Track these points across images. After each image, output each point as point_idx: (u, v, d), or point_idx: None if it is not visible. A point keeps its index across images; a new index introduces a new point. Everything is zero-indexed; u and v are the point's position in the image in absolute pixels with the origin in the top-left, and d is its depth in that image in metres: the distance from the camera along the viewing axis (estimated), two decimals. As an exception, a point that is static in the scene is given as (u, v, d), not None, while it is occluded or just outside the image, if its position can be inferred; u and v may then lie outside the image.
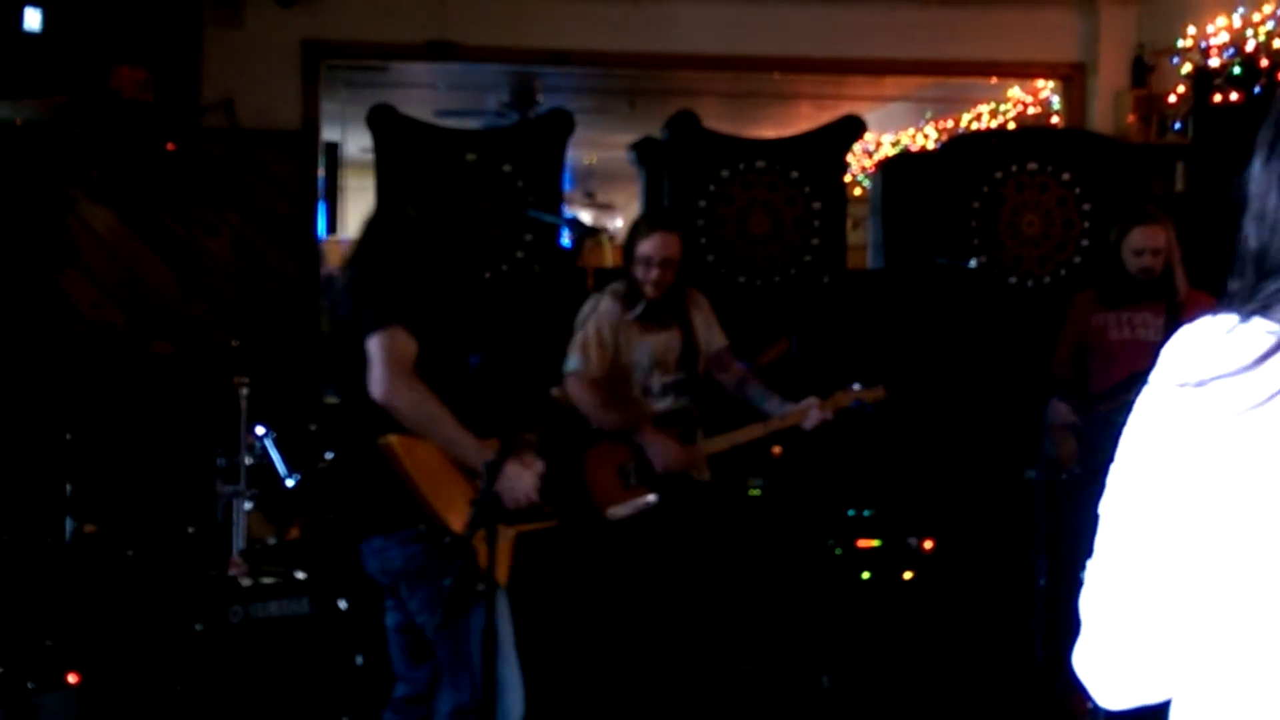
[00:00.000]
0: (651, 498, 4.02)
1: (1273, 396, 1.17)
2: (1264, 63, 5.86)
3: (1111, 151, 6.77)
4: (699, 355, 4.69)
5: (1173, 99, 6.63)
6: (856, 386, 4.53)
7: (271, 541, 4.86)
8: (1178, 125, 6.60)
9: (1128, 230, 4.94)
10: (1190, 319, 1.28)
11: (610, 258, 9.76)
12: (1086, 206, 6.77)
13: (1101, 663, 1.32)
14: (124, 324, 6.47)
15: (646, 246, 4.53)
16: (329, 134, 7.95)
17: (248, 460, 4.70)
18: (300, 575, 4.39)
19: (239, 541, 4.62)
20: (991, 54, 7.14)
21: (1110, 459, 1.31)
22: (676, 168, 6.89)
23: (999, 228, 6.79)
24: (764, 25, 6.93)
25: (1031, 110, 8.74)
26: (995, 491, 6.09)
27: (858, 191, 10.69)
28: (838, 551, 5.84)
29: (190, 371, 6.08)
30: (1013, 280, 6.79)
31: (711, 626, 5.04)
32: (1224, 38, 6.13)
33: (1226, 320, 1.23)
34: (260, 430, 4.88)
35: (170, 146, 6.34)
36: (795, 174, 6.90)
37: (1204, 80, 6.21)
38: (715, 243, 6.85)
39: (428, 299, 3.45)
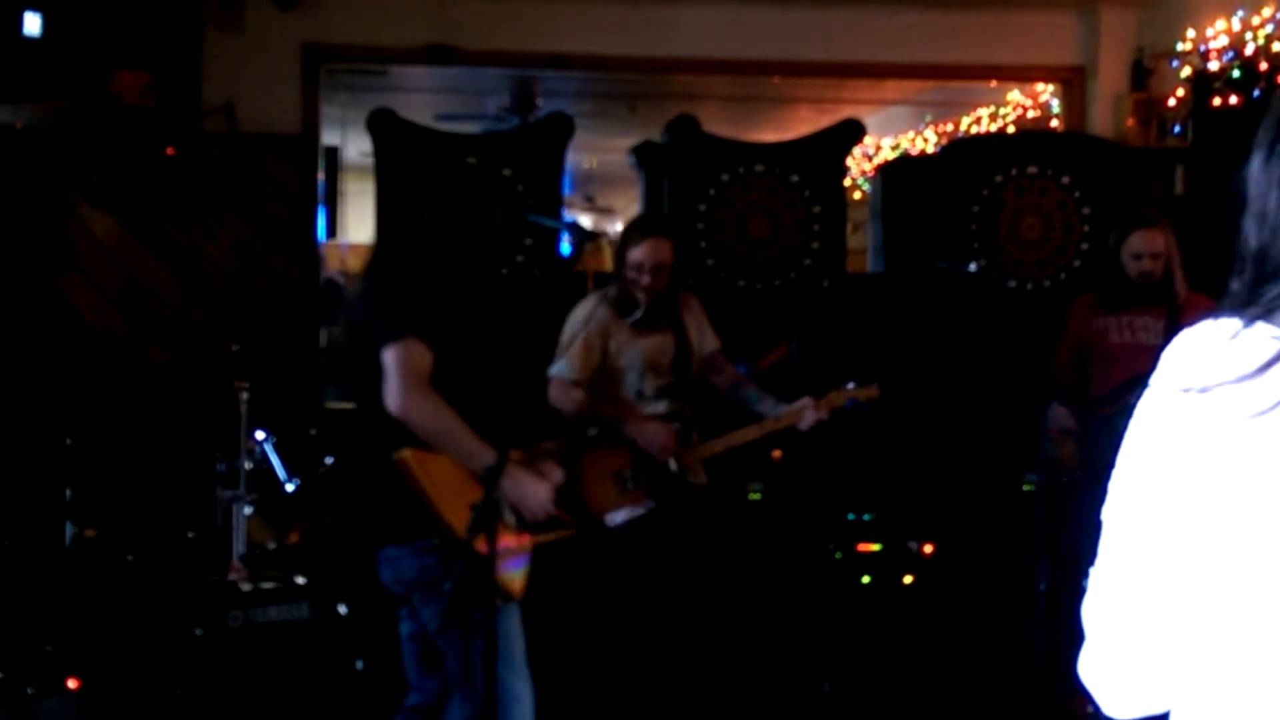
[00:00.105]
0: (650, 502, 4.02)
1: (1277, 405, 1.16)
2: (1263, 66, 5.86)
3: (1111, 155, 6.77)
4: (692, 358, 4.68)
5: (1172, 102, 6.63)
6: (851, 386, 4.52)
7: (271, 546, 4.87)
8: (1177, 129, 6.60)
9: (1127, 234, 4.94)
10: (1190, 322, 1.28)
11: (610, 262, 9.75)
12: (1086, 210, 6.77)
13: (1107, 671, 1.32)
14: (124, 329, 6.47)
15: (638, 253, 4.52)
16: (329, 138, 7.95)
17: (248, 465, 4.70)
18: (300, 580, 4.39)
19: (239, 546, 4.62)
20: (991, 57, 7.14)
21: (1111, 462, 1.31)
22: (676, 172, 6.89)
23: (999, 231, 6.79)
24: (764, 29, 6.93)
25: (1031, 114, 8.74)
26: (995, 495, 6.08)
27: (857, 195, 10.69)
28: (838, 556, 5.83)
29: (190, 376, 6.08)
30: (1013, 284, 6.79)
31: (711, 631, 5.03)
32: (1223, 41, 6.13)
33: (1230, 325, 1.22)
34: (260, 435, 4.88)
35: (170, 151, 6.34)
36: (795, 178, 6.90)
37: (1203, 84, 6.21)
38: (715, 247, 6.85)
39: (443, 309, 3.42)
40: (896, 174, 7.98)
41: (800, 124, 8.82)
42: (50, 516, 4.94)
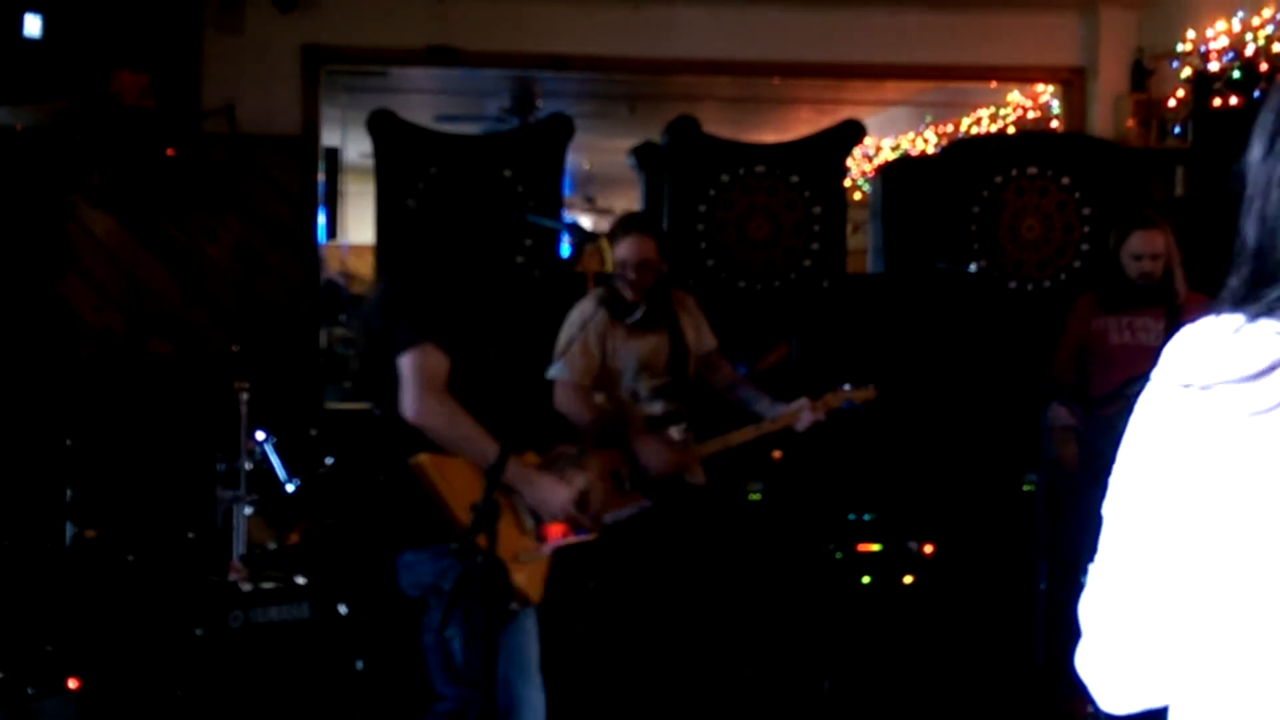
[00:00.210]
0: (645, 502, 4.01)
1: (1277, 405, 1.16)
2: (1264, 67, 5.86)
3: (1111, 156, 6.77)
4: (688, 358, 4.66)
5: (1172, 103, 6.63)
6: (847, 387, 4.51)
7: (272, 546, 4.87)
8: (1177, 129, 6.60)
9: (1127, 235, 4.94)
10: (1191, 322, 1.28)
11: (610, 263, 9.75)
12: (1086, 211, 6.78)
13: (1104, 666, 1.32)
14: (124, 329, 6.47)
15: (622, 250, 4.51)
16: (329, 139, 7.96)
17: (248, 465, 4.70)
18: (300, 580, 4.39)
19: (239, 546, 4.62)
20: (991, 58, 7.15)
21: (1111, 462, 1.31)
22: (676, 173, 6.90)
23: (999, 232, 6.79)
24: (764, 30, 6.93)
25: (1031, 114, 8.74)
26: (995, 496, 6.08)
27: (858, 196, 10.69)
28: (838, 556, 5.83)
29: (190, 376, 6.08)
30: (1013, 285, 6.79)
31: (711, 631, 5.03)
32: (1223, 42, 6.13)
33: (1232, 320, 1.22)
34: (260, 435, 4.88)
35: (170, 152, 6.35)
36: (795, 178, 6.90)
37: (1204, 84, 6.21)
38: (715, 248, 6.85)
39: (459, 314, 3.41)
40: (897, 175, 7.99)
41: (800, 125, 8.82)
42: (50, 517, 4.93)
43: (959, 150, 7.54)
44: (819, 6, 6.93)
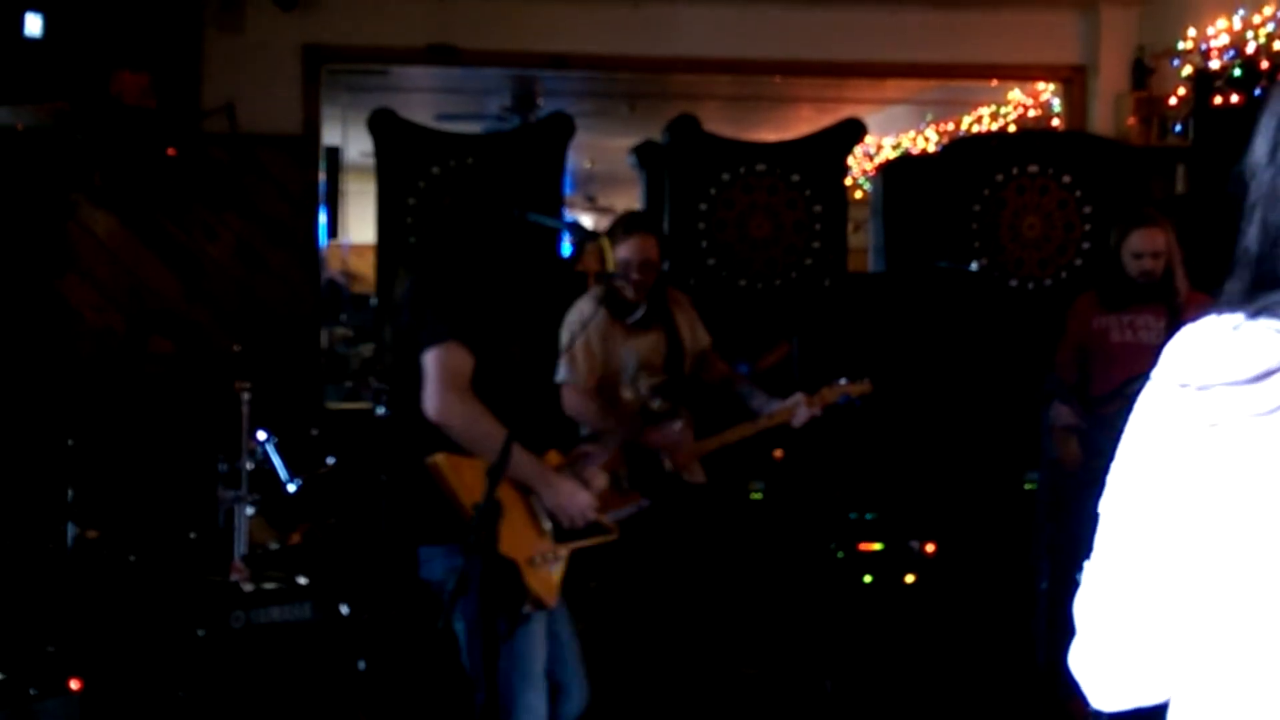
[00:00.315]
0: (644, 501, 4.01)
1: (1278, 408, 1.16)
2: (1264, 65, 5.86)
3: (1112, 154, 6.77)
4: (684, 356, 4.67)
5: (1173, 101, 6.63)
6: (843, 381, 4.51)
7: (273, 546, 4.87)
8: (1178, 127, 6.60)
9: (1127, 233, 4.94)
10: (1192, 320, 1.28)
11: (610, 262, 9.75)
12: (1087, 209, 6.77)
13: (1097, 663, 1.32)
14: (125, 328, 6.47)
15: (623, 250, 4.50)
16: (330, 138, 7.96)
17: (249, 465, 4.70)
18: (302, 580, 4.39)
19: (241, 547, 4.62)
20: (992, 57, 7.14)
21: (1112, 461, 1.31)
22: (677, 171, 6.90)
23: (1000, 230, 6.79)
24: (764, 28, 6.93)
25: (1032, 113, 8.74)
26: (997, 495, 6.08)
27: (859, 194, 10.69)
28: (840, 555, 5.83)
29: (191, 376, 6.09)
30: (1014, 283, 6.79)
31: (712, 631, 5.03)
32: (1224, 40, 6.13)
33: (1231, 320, 1.22)
34: (262, 435, 4.88)
35: (171, 151, 6.35)
36: (796, 177, 6.90)
37: (1204, 82, 6.21)
38: (716, 246, 6.85)
39: (486, 311, 3.38)
40: (897, 173, 7.98)
41: (801, 123, 8.82)
42: (52, 517, 4.94)
43: (960, 149, 7.53)
44: (820, 5, 6.93)
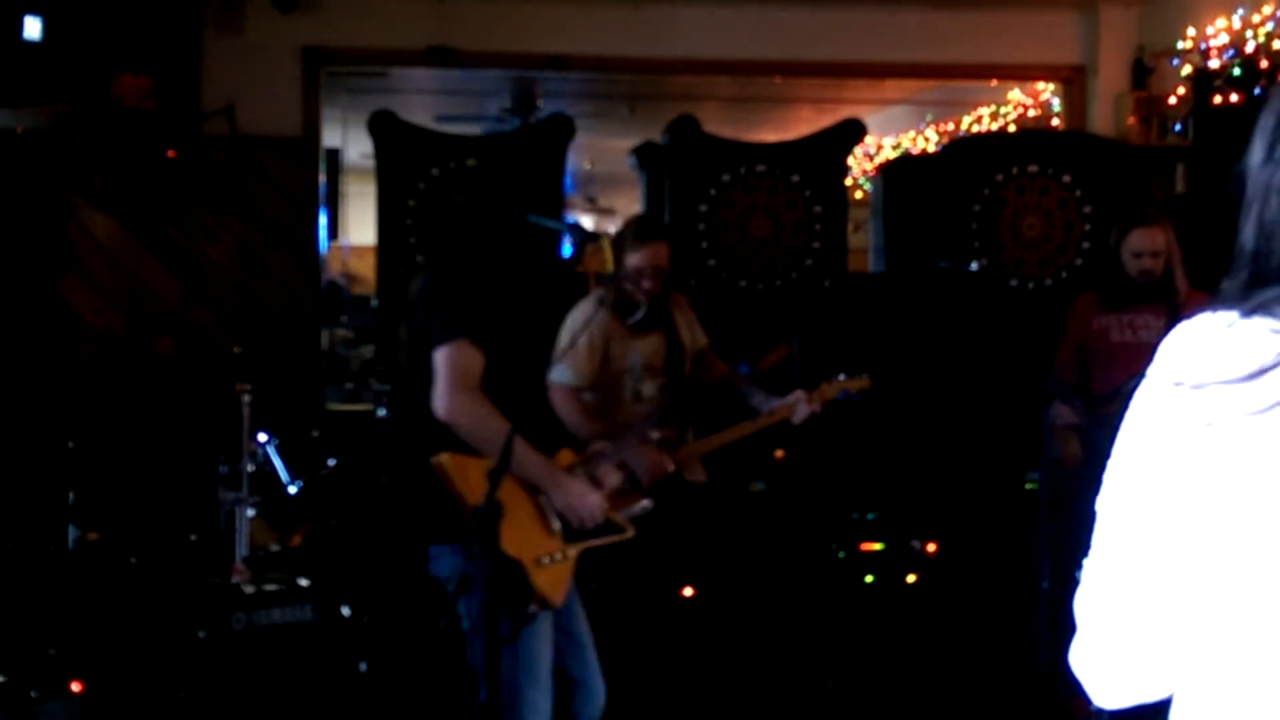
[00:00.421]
0: (646, 503, 4.01)
1: (1273, 405, 1.17)
2: (1264, 64, 5.86)
3: (1112, 153, 6.77)
4: (685, 357, 4.67)
5: (1173, 101, 6.63)
6: (842, 377, 4.50)
7: (274, 548, 4.87)
8: (1178, 127, 6.61)
9: (1127, 232, 4.93)
10: (1190, 318, 1.28)
11: (611, 263, 9.75)
12: (1087, 209, 6.77)
13: (1097, 661, 1.32)
14: (125, 330, 6.48)
15: (637, 259, 4.48)
16: (330, 140, 7.96)
17: (250, 467, 4.70)
18: (303, 582, 4.39)
19: (242, 548, 4.62)
20: (992, 57, 7.15)
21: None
22: (677, 172, 6.90)
23: (1000, 230, 6.79)
24: (764, 29, 6.93)
25: (1032, 113, 8.74)
26: (998, 494, 6.08)
27: (859, 195, 10.69)
28: (841, 555, 5.83)
29: (192, 378, 6.09)
30: (1014, 283, 6.79)
31: (714, 630, 5.03)
32: (1224, 39, 6.13)
33: (1226, 317, 1.23)
34: (262, 437, 4.88)
35: (171, 153, 6.35)
36: (796, 178, 6.90)
37: (1204, 82, 6.21)
38: (716, 247, 6.85)
39: (499, 310, 3.37)
40: (897, 173, 7.99)
41: (801, 124, 8.82)
42: (53, 519, 4.94)
43: (960, 149, 7.53)
44: (819, 6, 6.93)
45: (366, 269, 9.92)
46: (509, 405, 3.22)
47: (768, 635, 5.63)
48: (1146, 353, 1.29)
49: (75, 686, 3.99)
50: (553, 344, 4.39)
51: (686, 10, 6.93)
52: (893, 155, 10.92)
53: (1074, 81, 7.17)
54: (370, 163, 6.96)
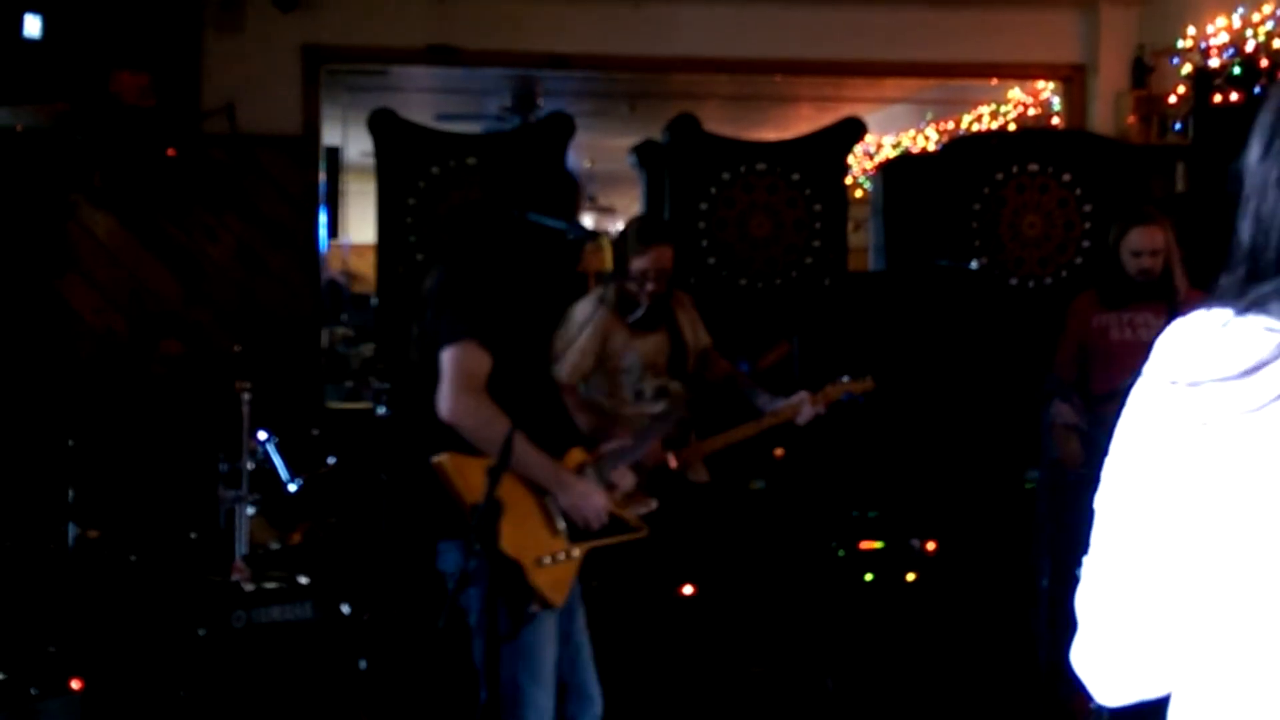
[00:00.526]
0: (652, 503, 4.01)
1: (1269, 402, 1.17)
2: (1264, 63, 5.86)
3: (1112, 152, 6.77)
4: (688, 356, 4.67)
5: (1173, 99, 6.63)
6: (845, 379, 4.50)
7: (274, 546, 4.88)
8: (1178, 126, 6.61)
9: (1126, 231, 4.93)
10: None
11: (610, 261, 9.75)
12: (1087, 207, 6.77)
13: (1098, 658, 1.32)
14: (125, 329, 6.48)
15: (641, 262, 4.48)
16: (330, 138, 7.96)
17: (250, 465, 4.70)
18: (303, 580, 4.39)
19: (241, 546, 4.62)
20: (992, 55, 7.14)
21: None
22: (677, 171, 6.90)
23: (1000, 229, 6.79)
24: (764, 28, 6.93)
25: (1032, 111, 8.74)
26: (998, 493, 6.08)
27: (859, 193, 10.70)
28: (840, 553, 5.83)
29: (192, 376, 6.09)
30: (1014, 281, 6.79)
31: (715, 629, 5.03)
32: (1224, 38, 6.13)
33: (1221, 315, 1.23)
34: (262, 435, 4.88)
35: (171, 152, 6.35)
36: (796, 176, 6.90)
37: (1204, 81, 6.21)
38: (716, 245, 6.85)
39: (510, 311, 3.35)
40: (897, 172, 7.99)
41: (801, 122, 8.82)
42: (53, 517, 4.94)
43: (960, 147, 7.53)
44: (819, 4, 6.93)
45: (366, 267, 9.93)
46: (519, 405, 3.20)
47: (767, 634, 5.63)
48: (1146, 352, 1.29)
49: (75, 684, 3.99)
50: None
51: (687, 9, 6.93)
52: (893, 154, 10.92)
53: (1074, 80, 7.17)
54: (370, 161, 6.96)
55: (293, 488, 4.90)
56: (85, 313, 6.51)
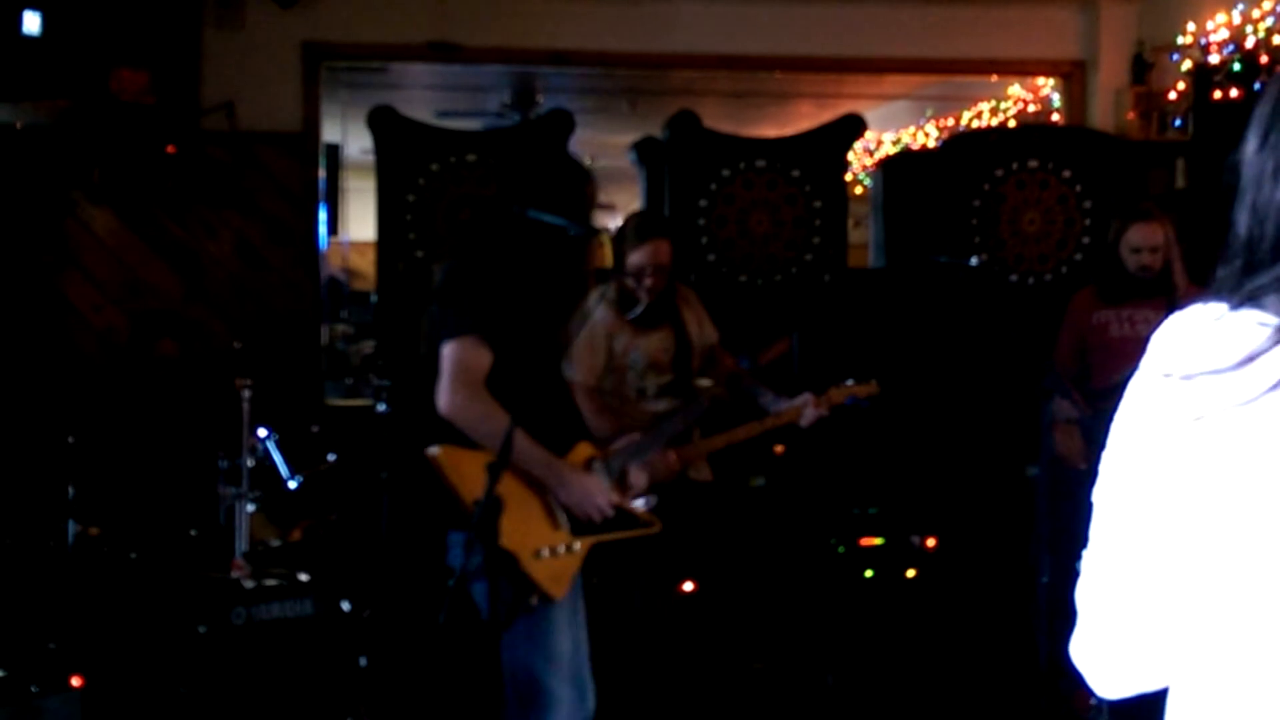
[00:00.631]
0: (651, 498, 4.01)
1: (1262, 394, 1.17)
2: (1264, 59, 5.86)
3: (1112, 148, 6.77)
4: (693, 353, 4.65)
5: (1173, 96, 6.63)
6: (850, 382, 4.50)
7: (274, 543, 4.87)
8: (1178, 122, 6.61)
9: (1125, 227, 4.94)
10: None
11: (610, 258, 9.75)
12: (1087, 204, 6.77)
13: (1097, 651, 1.33)
14: (125, 326, 6.48)
15: (638, 256, 4.47)
16: (330, 135, 7.95)
17: (250, 462, 4.70)
18: (303, 577, 4.39)
19: (242, 543, 4.62)
20: (992, 52, 7.14)
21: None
22: (677, 167, 6.90)
23: (1000, 225, 6.79)
24: (764, 24, 6.93)
25: (1032, 108, 8.75)
26: (997, 489, 6.09)
27: (859, 190, 10.70)
28: (840, 550, 5.83)
29: (192, 373, 6.09)
30: (1014, 278, 6.79)
31: (716, 626, 5.03)
32: (1224, 34, 6.13)
33: (1216, 309, 1.23)
34: (262, 432, 4.88)
35: (171, 149, 6.35)
36: (796, 173, 6.90)
37: (1204, 77, 6.22)
38: (716, 242, 6.85)
39: (514, 306, 3.34)
40: (897, 169, 7.98)
41: (801, 119, 8.82)
42: (53, 514, 4.94)
43: (960, 144, 7.53)
44: (819, 1, 6.92)
45: (366, 264, 9.93)
46: (522, 400, 3.19)
47: (768, 630, 5.64)
48: (1145, 348, 1.29)
49: (75, 681, 3.99)
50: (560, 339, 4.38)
51: (686, 5, 6.92)
52: (893, 150, 10.92)
53: (1074, 76, 7.17)
54: (370, 158, 6.96)
55: (293, 485, 4.89)
56: (85, 309, 6.51)
